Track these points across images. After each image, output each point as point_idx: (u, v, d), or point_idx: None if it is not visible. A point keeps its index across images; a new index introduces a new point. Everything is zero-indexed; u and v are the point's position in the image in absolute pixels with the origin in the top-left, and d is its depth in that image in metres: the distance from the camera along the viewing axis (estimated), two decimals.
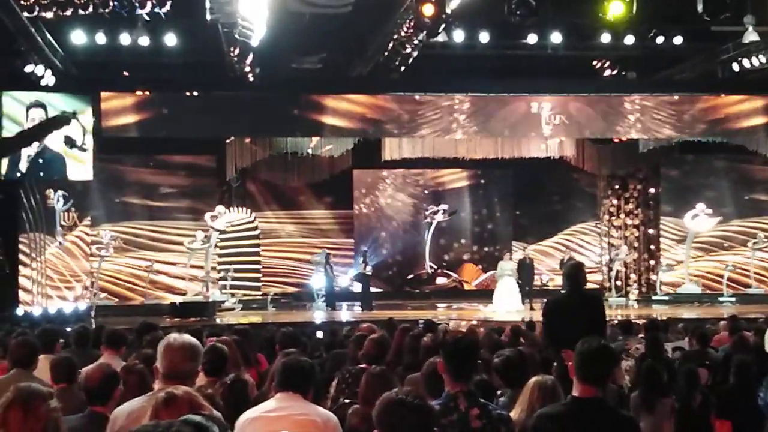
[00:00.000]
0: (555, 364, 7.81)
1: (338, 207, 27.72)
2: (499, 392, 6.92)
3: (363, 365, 7.60)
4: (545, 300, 9.43)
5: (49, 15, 17.05)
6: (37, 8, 16.65)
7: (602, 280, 27.58)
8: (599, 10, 18.47)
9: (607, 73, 24.39)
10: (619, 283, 27.17)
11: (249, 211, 26.55)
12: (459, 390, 5.03)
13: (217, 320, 20.89)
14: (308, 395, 5.61)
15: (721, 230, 26.28)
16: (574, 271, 8.83)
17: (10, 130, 20.61)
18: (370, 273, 25.16)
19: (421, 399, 3.94)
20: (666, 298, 25.40)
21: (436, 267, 28.25)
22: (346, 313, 23.88)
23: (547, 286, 25.23)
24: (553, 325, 8.39)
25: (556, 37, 21.13)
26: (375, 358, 7.63)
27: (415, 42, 19.60)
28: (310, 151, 25.03)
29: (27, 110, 20.70)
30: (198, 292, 23.93)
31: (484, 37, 20.97)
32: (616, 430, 4.86)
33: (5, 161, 20.62)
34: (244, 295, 25.35)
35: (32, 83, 20.19)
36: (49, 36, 19.21)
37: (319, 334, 14.52)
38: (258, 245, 26.56)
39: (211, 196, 25.23)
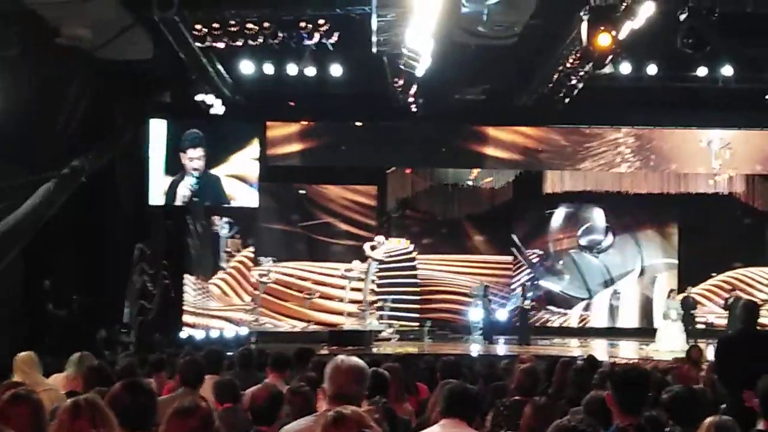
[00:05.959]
0: (724, 405, 7.57)
1: (498, 239, 27.44)
2: (667, 430, 6.66)
3: (517, 397, 7.50)
4: (716, 340, 9.15)
5: (221, 45, 17.52)
6: (209, 38, 17.14)
7: None
8: None
9: None
10: None
11: (408, 241, 26.62)
12: (629, 423, 4.86)
13: (374, 350, 20.95)
14: (473, 423, 5.53)
15: None
16: (749, 311, 8.69)
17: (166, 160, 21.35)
18: (529, 307, 24.88)
19: (594, 428, 3.83)
20: None
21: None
22: (503, 347, 23.62)
23: (712, 325, 24.43)
24: (726, 365, 8.23)
25: (727, 70, 20.51)
26: (528, 388, 7.53)
27: (581, 73, 19.36)
28: (470, 182, 25.02)
29: (185, 146, 21.39)
30: (356, 320, 24.07)
31: (651, 69, 20.52)
32: None
33: (166, 187, 21.25)
34: (401, 325, 25.38)
35: (201, 111, 20.81)
36: (219, 65, 19.74)
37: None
38: (416, 276, 26.54)
39: (371, 226, 25.44)
